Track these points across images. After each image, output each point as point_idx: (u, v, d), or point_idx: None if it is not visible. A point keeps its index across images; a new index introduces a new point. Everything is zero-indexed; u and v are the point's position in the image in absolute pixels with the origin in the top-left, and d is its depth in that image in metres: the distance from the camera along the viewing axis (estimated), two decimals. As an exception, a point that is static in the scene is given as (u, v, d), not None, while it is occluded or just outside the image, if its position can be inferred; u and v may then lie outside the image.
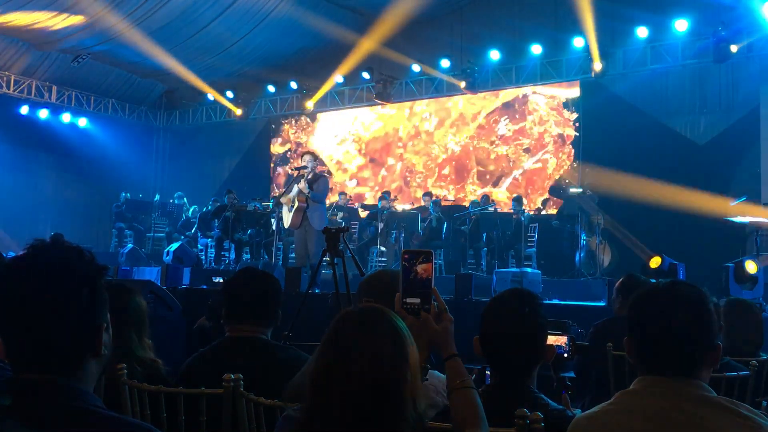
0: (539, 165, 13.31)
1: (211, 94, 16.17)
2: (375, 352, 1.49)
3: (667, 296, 1.69)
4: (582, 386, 3.93)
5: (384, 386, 1.48)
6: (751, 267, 6.95)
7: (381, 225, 11.30)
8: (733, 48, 10.69)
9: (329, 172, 15.13)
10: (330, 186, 10.65)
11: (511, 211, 11.37)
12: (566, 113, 13.02)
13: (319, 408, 1.49)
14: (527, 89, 13.51)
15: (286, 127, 16.70)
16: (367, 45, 14.05)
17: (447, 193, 14.05)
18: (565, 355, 2.38)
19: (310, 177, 8.56)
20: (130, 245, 13.23)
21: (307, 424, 1.51)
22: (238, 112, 16.08)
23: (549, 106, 13.30)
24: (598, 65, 11.78)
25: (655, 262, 7.61)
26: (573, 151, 12.90)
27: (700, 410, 1.55)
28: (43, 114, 15.46)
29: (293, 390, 2.11)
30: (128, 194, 14.70)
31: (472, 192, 13.76)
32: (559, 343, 2.40)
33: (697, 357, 1.63)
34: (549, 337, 2.24)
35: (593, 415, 1.67)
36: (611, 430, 1.61)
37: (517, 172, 13.57)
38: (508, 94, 13.80)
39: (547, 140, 13.23)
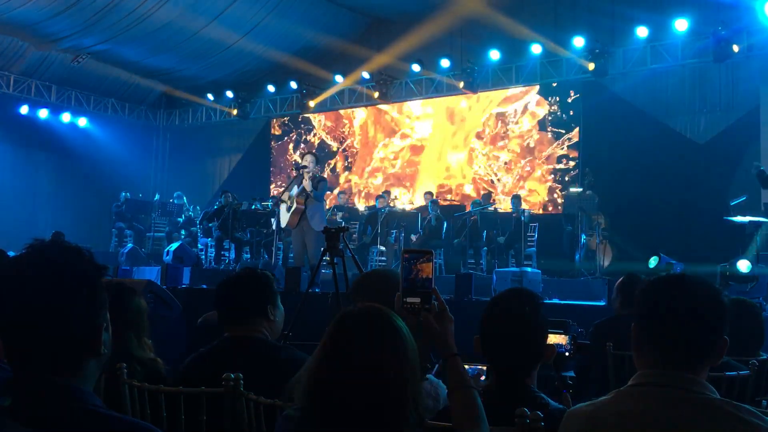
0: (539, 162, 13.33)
1: (211, 95, 16.20)
2: (375, 352, 1.49)
3: (682, 284, 1.66)
4: (582, 385, 3.93)
5: (384, 386, 1.47)
6: (744, 267, 6.93)
7: (379, 225, 11.30)
8: (734, 48, 10.68)
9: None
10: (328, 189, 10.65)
11: (511, 210, 11.37)
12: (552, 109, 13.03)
13: (319, 408, 1.49)
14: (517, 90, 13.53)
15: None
16: (367, 45, 14.05)
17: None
18: (567, 354, 2.38)
19: (311, 178, 8.57)
20: (130, 245, 13.23)
21: (307, 424, 1.51)
22: (234, 111, 16.09)
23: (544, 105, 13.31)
24: (591, 65, 11.82)
25: (652, 261, 7.61)
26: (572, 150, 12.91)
27: (699, 414, 1.51)
28: (43, 114, 15.45)
29: (293, 389, 2.11)
30: (128, 194, 14.70)
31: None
32: (561, 342, 2.39)
33: (707, 349, 1.60)
34: (551, 336, 2.23)
35: (588, 411, 1.64)
36: (604, 430, 1.59)
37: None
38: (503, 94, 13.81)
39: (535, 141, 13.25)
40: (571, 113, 12.94)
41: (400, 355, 1.51)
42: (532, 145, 13.43)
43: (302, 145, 16.00)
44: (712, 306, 1.62)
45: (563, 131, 13.02)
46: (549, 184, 13.19)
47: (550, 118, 13.22)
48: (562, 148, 13.04)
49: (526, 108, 13.61)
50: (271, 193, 15.39)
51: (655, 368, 1.62)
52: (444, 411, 1.91)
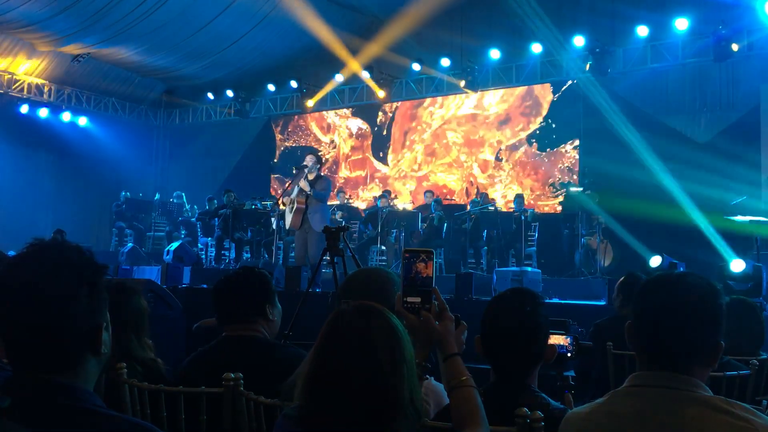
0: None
1: (211, 94, 16.21)
2: (371, 350, 1.49)
3: (677, 284, 1.63)
4: (582, 385, 3.93)
5: (381, 384, 1.47)
6: (736, 267, 6.94)
7: (380, 224, 11.29)
8: (734, 47, 10.68)
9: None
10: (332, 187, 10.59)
11: (512, 209, 11.36)
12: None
13: (316, 407, 1.49)
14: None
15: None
16: (367, 44, 14.06)
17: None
18: (569, 354, 2.37)
19: (311, 178, 8.57)
20: (130, 244, 13.23)
21: (305, 423, 1.51)
22: (234, 111, 16.11)
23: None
24: (591, 64, 11.83)
25: (655, 261, 7.60)
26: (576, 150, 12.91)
27: (693, 412, 1.51)
28: (43, 113, 15.45)
29: (291, 389, 2.11)
30: (128, 193, 14.71)
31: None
32: (563, 343, 2.38)
33: (698, 351, 1.59)
34: (553, 336, 2.23)
35: (584, 414, 1.64)
36: (601, 431, 1.59)
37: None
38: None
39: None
40: (572, 112, 12.91)
41: (395, 353, 1.51)
42: (532, 144, 13.42)
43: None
44: (708, 308, 1.60)
45: (563, 130, 13.01)
46: (549, 182, 13.18)
47: (550, 117, 13.21)
48: (564, 149, 13.03)
49: (526, 107, 13.61)
50: (272, 193, 15.39)
51: (650, 369, 1.61)
52: (444, 410, 1.91)
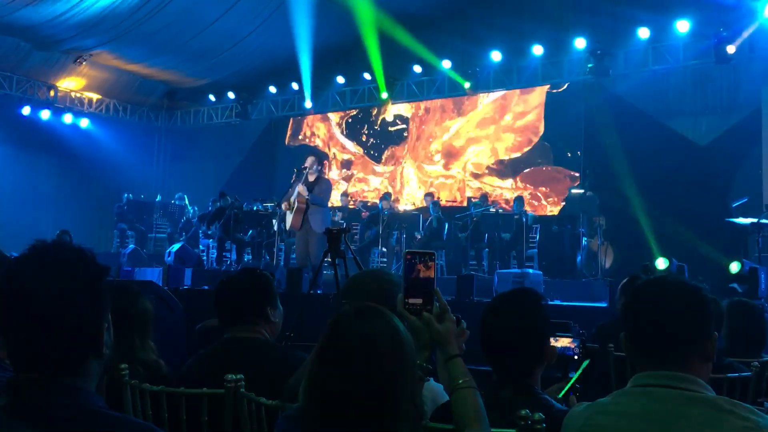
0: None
1: (212, 95, 16.23)
2: (372, 352, 1.49)
3: (660, 284, 1.71)
4: (583, 387, 3.93)
5: (382, 384, 1.48)
6: (733, 268, 6.97)
7: (381, 226, 11.29)
8: (735, 49, 10.68)
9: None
10: (332, 189, 10.55)
11: (511, 211, 11.36)
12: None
13: (318, 408, 1.49)
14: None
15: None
16: (367, 45, 14.05)
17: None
18: (575, 357, 2.36)
19: (311, 179, 8.55)
20: (131, 246, 13.24)
21: (306, 424, 1.51)
22: (235, 113, 16.14)
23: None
24: (592, 66, 11.83)
25: (661, 263, 7.61)
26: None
27: (697, 412, 1.52)
28: (45, 115, 15.46)
29: (292, 390, 2.11)
30: (130, 195, 14.72)
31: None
32: (569, 345, 2.37)
33: (690, 345, 1.62)
34: (560, 339, 2.23)
35: (588, 412, 1.66)
36: (602, 430, 1.60)
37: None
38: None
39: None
40: (573, 115, 12.91)
41: (397, 354, 1.51)
42: (532, 143, 13.43)
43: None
44: (693, 305, 1.64)
45: (564, 133, 13.01)
46: (550, 184, 13.19)
47: (550, 120, 13.21)
48: (566, 151, 13.04)
49: (527, 108, 13.62)
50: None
51: (651, 369, 1.64)
52: (443, 408, 1.91)
